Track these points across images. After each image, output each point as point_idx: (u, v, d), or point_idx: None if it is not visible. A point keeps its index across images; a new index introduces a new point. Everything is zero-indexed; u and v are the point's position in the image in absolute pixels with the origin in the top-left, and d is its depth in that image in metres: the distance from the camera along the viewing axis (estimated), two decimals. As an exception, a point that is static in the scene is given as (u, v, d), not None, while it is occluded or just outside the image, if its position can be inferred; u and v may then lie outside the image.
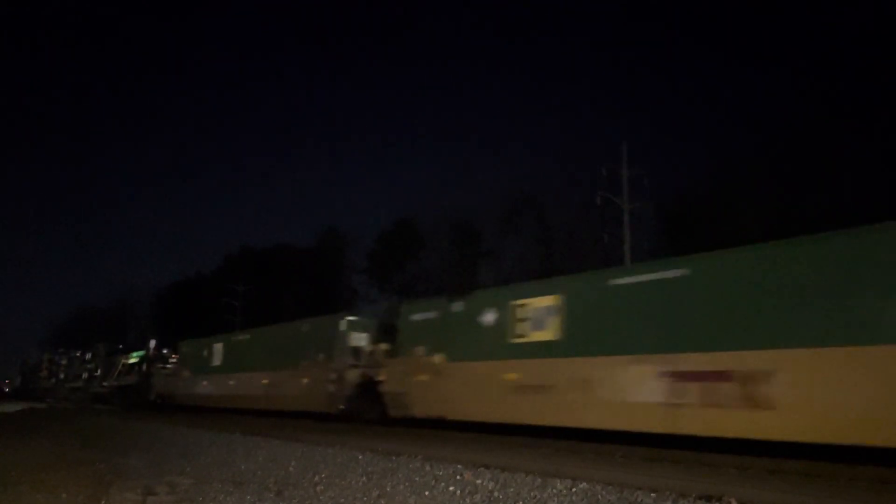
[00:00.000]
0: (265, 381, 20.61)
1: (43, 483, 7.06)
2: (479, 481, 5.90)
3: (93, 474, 7.71)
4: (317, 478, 6.72)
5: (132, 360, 33.25)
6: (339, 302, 50.06)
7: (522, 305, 12.08)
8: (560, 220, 38.52)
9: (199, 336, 28.70)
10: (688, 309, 9.59)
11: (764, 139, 32.26)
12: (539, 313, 11.71)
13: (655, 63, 75.56)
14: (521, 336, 11.93)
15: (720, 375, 8.88)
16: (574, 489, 5.37)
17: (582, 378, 10.61)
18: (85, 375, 42.98)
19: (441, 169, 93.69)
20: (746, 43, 57.12)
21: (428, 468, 6.70)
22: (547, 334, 11.47)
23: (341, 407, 16.51)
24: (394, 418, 14.42)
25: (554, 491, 5.38)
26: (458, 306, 13.56)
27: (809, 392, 8.06)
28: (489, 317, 12.65)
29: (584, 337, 10.93)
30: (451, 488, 5.77)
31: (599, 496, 5.12)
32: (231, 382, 22.92)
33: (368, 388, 15.52)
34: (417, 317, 14.57)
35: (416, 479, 6.27)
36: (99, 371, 39.60)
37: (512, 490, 5.54)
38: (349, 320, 17.84)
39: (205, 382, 25.20)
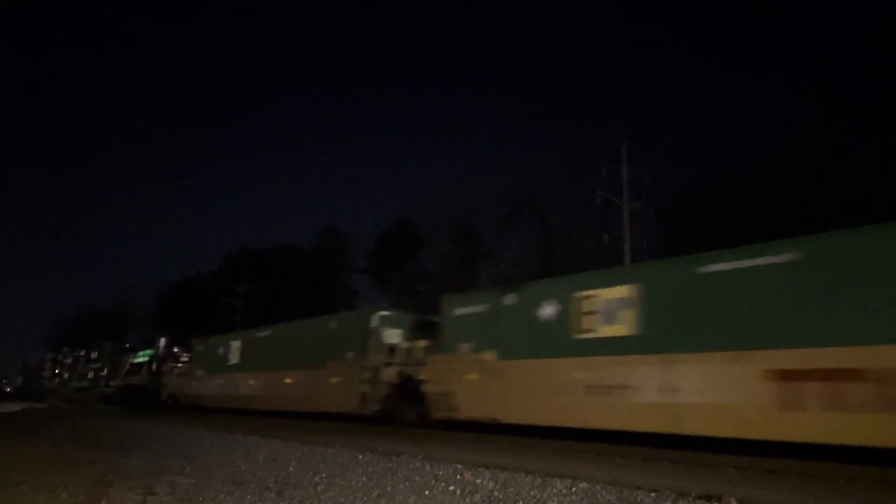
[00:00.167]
0: (288, 381, 19.51)
1: (43, 483, 7.06)
2: (479, 481, 5.90)
3: (93, 474, 7.71)
4: (317, 478, 6.72)
5: (140, 360, 32.55)
6: (339, 302, 50.13)
7: (589, 297, 11.04)
8: (560, 220, 38.54)
9: (199, 336, 28.34)
10: (802, 298, 8.50)
11: (764, 139, 32.32)
12: (610, 306, 10.68)
13: (655, 63, 75.66)
14: (589, 331, 10.90)
15: (849, 374, 7.84)
16: (574, 489, 5.37)
17: (666, 378, 9.62)
18: (91, 375, 42.44)
19: (441, 169, 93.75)
20: (746, 43, 57.15)
21: (428, 468, 6.71)
22: (620, 329, 10.45)
23: (375, 408, 15.45)
24: (436, 421, 13.45)
25: (554, 491, 5.39)
26: (510, 299, 12.49)
27: None
28: (548, 310, 11.61)
29: (667, 331, 9.85)
30: (451, 488, 5.78)
31: (599, 496, 5.13)
32: (250, 382, 21.80)
33: (407, 389, 14.54)
34: (463, 311, 13.44)
35: (417, 478, 6.27)
36: (105, 371, 38.86)
37: (512, 490, 5.55)
38: (382, 315, 16.64)
39: (221, 382, 23.97)
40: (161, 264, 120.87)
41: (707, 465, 7.79)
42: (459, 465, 6.70)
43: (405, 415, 14.48)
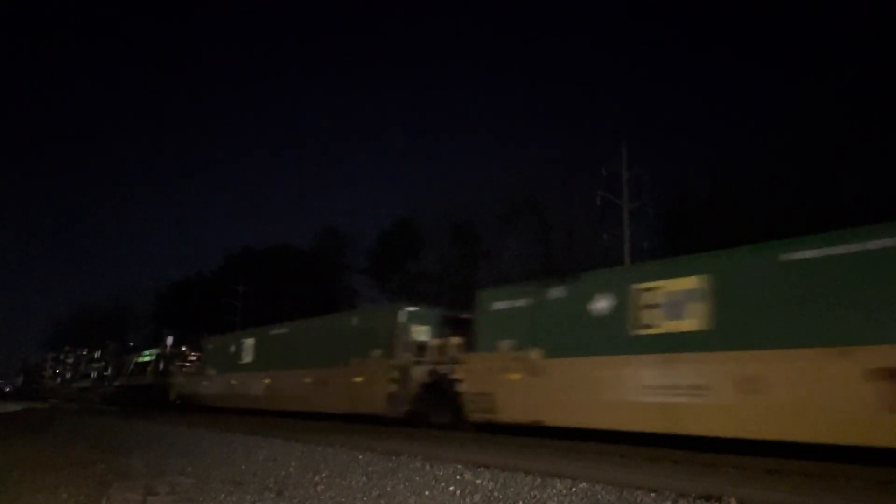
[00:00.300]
0: (307, 381, 18.68)
1: (43, 483, 7.07)
2: (479, 481, 5.90)
3: (93, 474, 7.71)
4: (317, 477, 6.72)
5: (144, 359, 32.01)
6: (339, 302, 50.17)
7: (650, 289, 10.28)
8: (560, 220, 38.54)
9: (198, 335, 28.26)
10: None
11: (764, 139, 32.33)
12: (675, 298, 9.90)
13: (655, 63, 75.73)
14: (650, 326, 10.14)
15: None
16: (574, 489, 5.37)
17: (746, 377, 8.84)
18: (94, 375, 42.11)
19: (441, 169, 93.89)
20: (746, 43, 57.15)
21: (428, 468, 6.71)
22: (688, 323, 9.68)
23: (404, 409, 14.80)
24: (473, 423, 12.77)
25: (554, 491, 5.39)
26: (558, 292, 11.76)
27: None
28: (601, 304, 10.90)
29: (746, 326, 9.08)
30: (451, 488, 5.78)
31: (599, 496, 5.13)
32: (266, 382, 21.01)
33: (439, 389, 13.84)
34: (502, 305, 12.71)
35: (417, 478, 6.27)
36: (109, 370, 38.35)
37: (512, 490, 5.55)
38: (409, 311, 15.93)
39: (233, 382, 23.15)
40: (161, 264, 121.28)
41: (707, 465, 7.79)
42: (459, 466, 6.70)
43: (437, 416, 13.82)
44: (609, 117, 71.80)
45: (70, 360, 50.03)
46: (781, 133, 31.19)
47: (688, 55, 76.30)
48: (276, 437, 10.73)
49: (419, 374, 14.60)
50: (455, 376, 13.40)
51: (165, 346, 30.73)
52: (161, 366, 29.67)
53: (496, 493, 5.49)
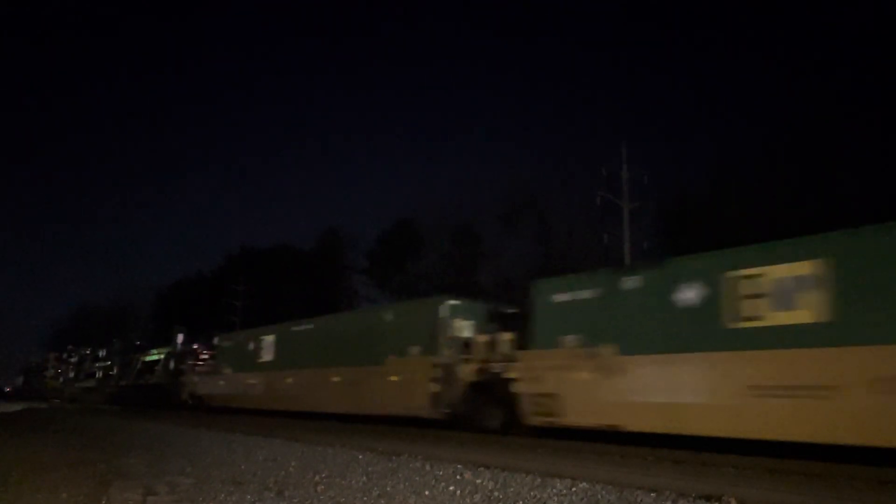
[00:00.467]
0: (336, 380, 17.57)
1: (43, 483, 7.06)
2: (479, 481, 5.90)
3: (93, 474, 7.71)
4: (317, 477, 6.72)
5: (152, 358, 31.01)
6: (339, 302, 50.19)
7: (751, 277, 9.15)
8: (560, 220, 38.60)
9: (198, 335, 27.92)
10: None
11: (764, 139, 32.37)
12: (784, 286, 8.81)
13: (655, 63, 75.65)
14: (752, 318, 9.03)
15: None
16: (574, 489, 5.37)
17: (881, 376, 7.78)
18: (99, 374, 40.96)
19: (441, 169, 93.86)
20: (747, 42, 57.12)
21: (428, 468, 6.71)
22: (802, 315, 8.58)
23: (448, 411, 13.70)
24: (530, 427, 11.72)
25: (554, 491, 5.39)
26: (633, 282, 10.68)
27: None
28: (689, 294, 9.81)
29: (879, 317, 7.93)
30: (452, 488, 5.78)
31: (599, 496, 5.13)
32: (288, 381, 19.83)
33: (489, 389, 12.78)
34: (565, 297, 11.56)
35: (417, 478, 6.27)
36: (115, 370, 37.00)
37: (512, 490, 5.55)
38: (452, 304, 14.80)
39: (251, 381, 21.82)
40: (161, 264, 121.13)
41: (707, 465, 7.80)
42: (459, 465, 6.70)
43: (488, 420, 12.72)
44: (609, 117, 71.93)
45: (73, 360, 49.62)
46: (781, 133, 31.27)
47: (688, 55, 76.26)
48: (276, 437, 10.75)
49: (467, 372, 13.53)
50: (510, 375, 12.27)
51: (176, 344, 29.50)
52: (171, 364, 28.58)
53: (496, 493, 5.49)
